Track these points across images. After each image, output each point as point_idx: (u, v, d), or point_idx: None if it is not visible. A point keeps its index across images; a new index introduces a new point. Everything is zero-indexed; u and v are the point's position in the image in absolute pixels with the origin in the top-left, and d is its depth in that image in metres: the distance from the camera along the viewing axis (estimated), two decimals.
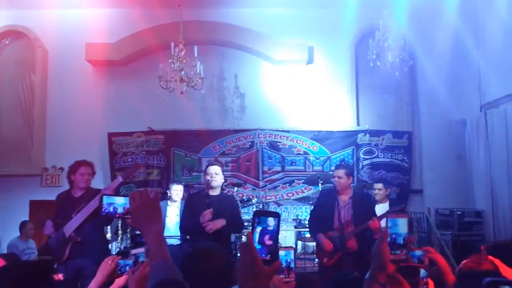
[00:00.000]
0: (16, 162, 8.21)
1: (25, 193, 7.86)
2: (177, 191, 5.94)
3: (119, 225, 6.98)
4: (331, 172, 7.68)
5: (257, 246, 1.45)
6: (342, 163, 7.52)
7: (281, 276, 1.80)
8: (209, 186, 4.41)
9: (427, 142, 8.03)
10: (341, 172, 4.59)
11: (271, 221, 1.49)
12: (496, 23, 6.93)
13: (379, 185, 5.90)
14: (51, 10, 8.11)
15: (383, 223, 4.14)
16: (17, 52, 8.42)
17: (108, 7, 8.08)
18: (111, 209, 2.23)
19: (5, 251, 6.74)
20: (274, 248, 1.50)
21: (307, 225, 6.97)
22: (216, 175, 4.43)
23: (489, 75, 7.20)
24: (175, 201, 5.91)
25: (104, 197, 2.28)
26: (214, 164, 4.63)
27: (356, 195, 4.68)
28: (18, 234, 6.77)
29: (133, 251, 2.42)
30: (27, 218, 7.54)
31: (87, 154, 7.14)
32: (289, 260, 1.88)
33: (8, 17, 8.25)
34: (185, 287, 1.45)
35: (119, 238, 7.01)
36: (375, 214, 4.46)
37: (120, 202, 2.23)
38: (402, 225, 1.72)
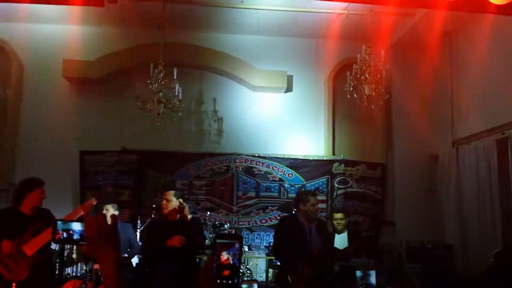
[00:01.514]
0: None
1: None
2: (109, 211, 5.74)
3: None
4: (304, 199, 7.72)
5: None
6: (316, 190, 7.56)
7: None
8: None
9: (400, 175, 8.13)
10: (316, 199, 4.66)
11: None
12: (473, 60, 7.17)
13: (340, 215, 5.90)
14: (30, 24, 8.00)
15: None
16: None
17: (88, 25, 8.03)
18: (64, 235, 2.13)
19: None
20: (236, 271, 1.47)
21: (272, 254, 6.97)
22: (166, 202, 4.36)
23: (462, 112, 7.41)
24: None
25: (59, 222, 2.18)
26: (169, 189, 4.56)
27: (318, 222, 4.76)
28: None
29: (95, 266, 2.30)
30: None
31: (57, 171, 7.05)
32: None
33: None
34: None
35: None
36: (332, 239, 4.54)
37: (77, 228, 2.14)
38: (372, 276, 1.71)
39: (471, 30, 7.22)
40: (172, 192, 4.44)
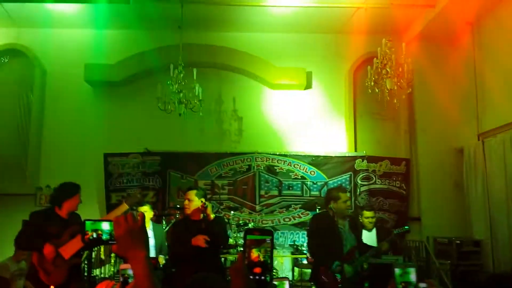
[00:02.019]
0: (10, 181, 8.11)
1: (18, 213, 7.68)
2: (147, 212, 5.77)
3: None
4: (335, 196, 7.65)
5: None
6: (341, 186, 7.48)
7: None
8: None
9: (424, 170, 7.99)
10: (347, 196, 4.62)
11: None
12: (498, 51, 6.99)
13: (370, 213, 5.74)
14: (51, 30, 8.14)
15: None
16: (16, 71, 8.41)
17: (107, 29, 8.12)
18: (94, 235, 2.13)
19: None
20: (268, 268, 1.44)
21: (304, 252, 6.93)
22: (189, 202, 4.34)
23: (487, 104, 7.24)
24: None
25: (87, 222, 2.18)
26: (191, 189, 4.52)
27: (352, 218, 4.67)
28: (9, 254, 6.62)
29: (122, 266, 2.29)
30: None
31: (82, 174, 7.13)
32: None
33: (7, 35, 8.27)
34: None
35: (112, 261, 6.87)
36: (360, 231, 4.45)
37: (105, 228, 2.13)
38: (412, 273, 1.64)
39: (494, 19, 7.04)
40: (194, 191, 4.41)
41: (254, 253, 1.52)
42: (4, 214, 7.70)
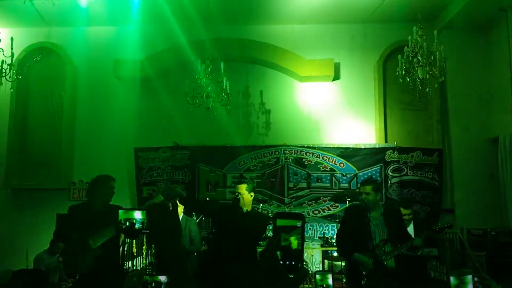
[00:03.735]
0: (44, 176, 8.32)
1: (52, 207, 7.91)
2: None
3: (145, 239, 6.95)
4: (358, 190, 7.56)
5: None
6: (369, 178, 7.36)
7: None
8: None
9: (458, 160, 7.82)
10: (368, 188, 4.41)
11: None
12: None
13: (408, 211, 5.59)
14: (81, 27, 8.27)
15: None
16: (47, 69, 8.59)
17: (135, 24, 8.19)
18: (127, 224, 2.14)
19: (31, 264, 6.80)
20: (299, 253, 1.42)
21: (334, 245, 6.88)
22: (242, 194, 4.37)
23: None
24: None
25: (120, 211, 2.20)
26: (240, 183, 4.56)
27: (387, 211, 4.51)
28: (45, 247, 6.81)
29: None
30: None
31: (113, 168, 7.23)
32: (324, 286, 1.78)
33: (38, 34, 8.45)
34: None
35: (144, 253, 6.98)
36: (406, 230, 4.28)
37: (138, 217, 2.14)
38: (329, 278, 1.56)
39: None
40: (245, 185, 4.47)
41: (288, 240, 1.50)
42: (39, 209, 7.93)
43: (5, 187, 8.20)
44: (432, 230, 4.28)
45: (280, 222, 1.45)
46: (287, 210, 7.74)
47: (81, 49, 8.36)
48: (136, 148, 8.02)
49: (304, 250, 6.74)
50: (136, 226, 2.21)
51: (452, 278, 1.54)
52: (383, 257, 4.17)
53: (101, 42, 8.30)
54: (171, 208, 1.46)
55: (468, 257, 6.61)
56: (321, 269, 6.99)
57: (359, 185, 7.59)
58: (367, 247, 4.25)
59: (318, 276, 1.77)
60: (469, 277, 1.55)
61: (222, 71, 6.84)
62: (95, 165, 7.49)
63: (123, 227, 2.22)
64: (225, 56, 7.65)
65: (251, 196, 4.38)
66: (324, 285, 1.78)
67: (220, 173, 7.96)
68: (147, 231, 1.58)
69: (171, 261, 1.39)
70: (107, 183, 4.37)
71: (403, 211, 5.53)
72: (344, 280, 6.72)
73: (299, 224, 1.46)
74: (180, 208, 5.72)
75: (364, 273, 4.19)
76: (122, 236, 4.66)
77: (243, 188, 4.42)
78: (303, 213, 7.72)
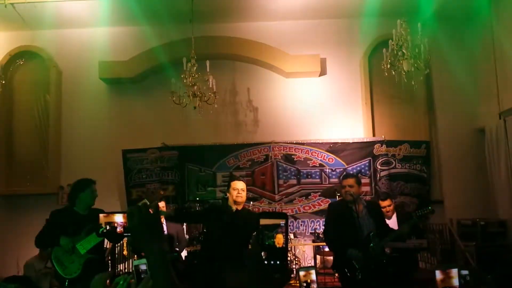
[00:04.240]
0: (32, 182, 8.24)
1: (41, 212, 7.78)
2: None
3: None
4: (340, 184, 7.58)
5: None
6: (348, 172, 7.41)
7: None
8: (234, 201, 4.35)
9: (445, 152, 7.87)
10: (351, 181, 4.47)
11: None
12: None
13: (386, 202, 5.68)
14: (64, 30, 8.21)
15: None
16: (32, 73, 8.50)
17: (120, 26, 8.15)
18: (108, 228, 2.13)
19: (21, 270, 6.72)
20: (283, 251, 1.41)
21: (324, 241, 6.91)
22: (243, 192, 4.37)
23: (508, 81, 7.05)
24: None
25: (101, 215, 2.18)
26: (240, 180, 4.55)
27: (369, 203, 4.58)
28: (35, 253, 6.75)
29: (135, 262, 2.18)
30: None
31: (102, 171, 7.19)
32: (308, 281, 1.78)
33: (22, 37, 8.35)
34: None
35: (136, 255, 6.93)
36: (385, 222, 4.32)
37: (119, 220, 2.13)
38: (454, 277, 1.53)
39: None
40: (244, 183, 4.48)
41: (277, 240, 1.48)
42: (28, 214, 7.83)
43: None
44: (416, 216, 4.31)
45: (263, 222, 1.43)
46: (277, 207, 7.75)
47: (65, 52, 8.31)
48: (125, 150, 7.96)
49: (292, 248, 6.79)
50: (118, 229, 2.18)
51: (437, 273, 1.51)
52: (375, 248, 4.20)
53: (85, 44, 8.23)
54: (152, 211, 1.42)
55: (458, 248, 6.67)
56: (313, 264, 7.00)
57: (341, 179, 7.66)
58: (356, 240, 4.28)
59: (301, 273, 1.75)
60: (455, 270, 1.52)
61: (207, 70, 6.81)
62: (83, 169, 7.40)
63: (104, 231, 2.19)
64: (211, 54, 7.65)
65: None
66: (308, 281, 1.76)
67: (210, 172, 7.93)
68: (129, 234, 1.55)
69: (152, 265, 1.36)
70: (89, 187, 4.35)
71: (382, 203, 5.60)
72: (337, 275, 6.76)
73: (282, 223, 1.44)
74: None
75: (357, 266, 4.23)
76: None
77: (243, 185, 4.42)
78: (294, 209, 7.79)
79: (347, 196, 4.44)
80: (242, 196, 4.35)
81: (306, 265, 6.87)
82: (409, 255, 5.24)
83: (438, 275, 1.51)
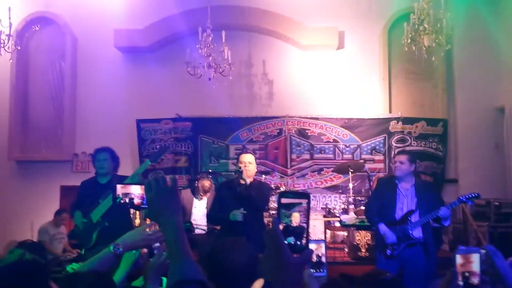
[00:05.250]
0: (47, 148, 8.32)
1: (56, 179, 7.97)
2: (205, 186, 5.86)
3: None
4: (362, 161, 7.54)
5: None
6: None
7: (311, 270, 1.67)
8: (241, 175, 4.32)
9: (463, 130, 7.73)
10: (403, 158, 4.40)
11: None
12: None
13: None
14: None
15: None
16: (47, 39, 8.46)
17: None
18: (126, 199, 2.11)
19: (36, 235, 6.88)
20: (304, 233, 1.38)
21: (336, 215, 6.92)
22: (250, 164, 4.34)
23: None
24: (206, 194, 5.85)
25: (118, 186, 2.17)
26: (248, 152, 4.53)
27: (419, 182, 4.46)
28: (49, 219, 6.88)
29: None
30: (57, 203, 7.68)
31: (116, 140, 7.21)
32: (319, 254, 1.75)
33: (37, 3, 8.28)
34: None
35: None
36: (442, 201, 4.21)
37: (136, 192, 2.11)
38: (475, 262, 1.47)
39: None
40: (253, 156, 4.46)
41: (292, 218, 1.45)
42: (42, 180, 7.96)
43: (8, 159, 8.20)
44: (459, 199, 4.20)
45: (284, 200, 1.40)
46: (290, 181, 7.74)
47: (81, 18, 8.23)
48: (139, 119, 7.96)
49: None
50: (135, 201, 2.16)
51: (457, 257, 1.45)
52: (408, 227, 4.17)
53: (101, 11, 8.11)
54: (171, 184, 1.39)
55: (471, 227, 6.62)
56: (323, 239, 7.03)
57: (364, 156, 7.62)
58: (393, 217, 4.25)
59: (311, 246, 1.73)
60: (476, 255, 1.46)
61: (223, 40, 6.72)
62: (97, 137, 7.44)
63: (122, 202, 2.17)
64: (227, 25, 7.52)
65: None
66: (319, 254, 1.74)
67: (223, 144, 7.92)
68: (146, 207, 1.52)
69: (168, 239, 1.33)
70: (95, 156, 4.42)
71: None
72: (346, 250, 6.79)
73: (304, 203, 1.40)
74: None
75: (387, 243, 4.21)
76: None
77: (252, 158, 4.40)
78: (306, 184, 7.77)
79: (396, 172, 4.39)
80: (250, 169, 4.33)
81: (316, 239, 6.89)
82: (436, 235, 5.19)
83: (459, 259, 1.45)
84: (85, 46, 8.31)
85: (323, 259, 1.77)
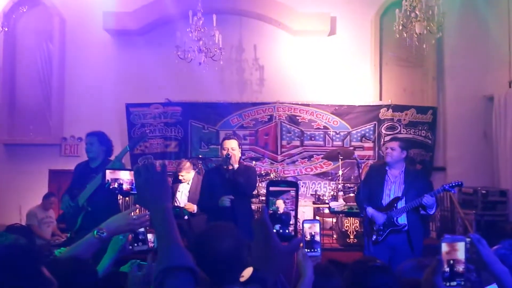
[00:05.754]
0: (35, 131, 8.24)
1: (44, 162, 7.91)
2: (185, 165, 5.78)
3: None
4: (351, 148, 7.57)
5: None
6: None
7: (306, 250, 1.68)
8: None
9: (452, 119, 7.78)
10: (395, 144, 4.39)
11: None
12: None
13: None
14: None
15: None
16: (34, 21, 8.31)
17: None
18: (115, 185, 2.10)
19: (24, 219, 6.83)
20: (291, 220, 1.38)
21: (326, 202, 6.97)
22: (233, 150, 4.31)
23: None
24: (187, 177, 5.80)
25: (108, 171, 2.15)
26: (230, 138, 4.50)
27: (410, 170, 4.47)
28: (37, 202, 6.83)
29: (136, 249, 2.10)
30: (46, 187, 7.62)
31: (105, 124, 7.13)
32: (313, 233, 1.76)
33: None
34: (198, 274, 1.29)
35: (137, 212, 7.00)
36: (432, 190, 4.21)
37: (125, 177, 2.09)
38: (460, 250, 1.48)
39: None
40: (236, 141, 4.42)
41: (278, 205, 1.46)
42: (30, 164, 7.89)
43: None
44: (442, 187, 4.23)
45: (272, 189, 1.40)
46: (280, 167, 7.76)
47: (69, 0, 8.07)
48: (128, 104, 7.89)
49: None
50: (124, 187, 2.14)
51: (443, 245, 1.46)
52: (393, 214, 4.20)
53: None
54: (161, 170, 1.38)
55: (458, 215, 6.71)
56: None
57: (353, 143, 7.65)
58: (380, 203, 4.29)
59: (306, 225, 1.73)
60: (461, 244, 1.48)
61: (214, 24, 6.64)
62: (86, 121, 7.39)
63: (110, 187, 2.15)
64: (218, 8, 7.43)
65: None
66: (313, 233, 1.74)
67: (213, 130, 7.89)
68: (135, 192, 1.51)
69: (157, 225, 1.32)
70: (86, 140, 4.42)
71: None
72: (335, 237, 6.86)
73: (292, 191, 1.41)
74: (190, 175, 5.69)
75: (374, 228, 4.25)
76: None
77: (235, 143, 4.37)
78: (296, 170, 7.80)
79: (387, 158, 4.40)
80: (234, 154, 4.32)
81: None
82: (423, 223, 5.25)
83: (444, 247, 1.46)
84: (74, 29, 8.18)
85: (317, 238, 1.77)
